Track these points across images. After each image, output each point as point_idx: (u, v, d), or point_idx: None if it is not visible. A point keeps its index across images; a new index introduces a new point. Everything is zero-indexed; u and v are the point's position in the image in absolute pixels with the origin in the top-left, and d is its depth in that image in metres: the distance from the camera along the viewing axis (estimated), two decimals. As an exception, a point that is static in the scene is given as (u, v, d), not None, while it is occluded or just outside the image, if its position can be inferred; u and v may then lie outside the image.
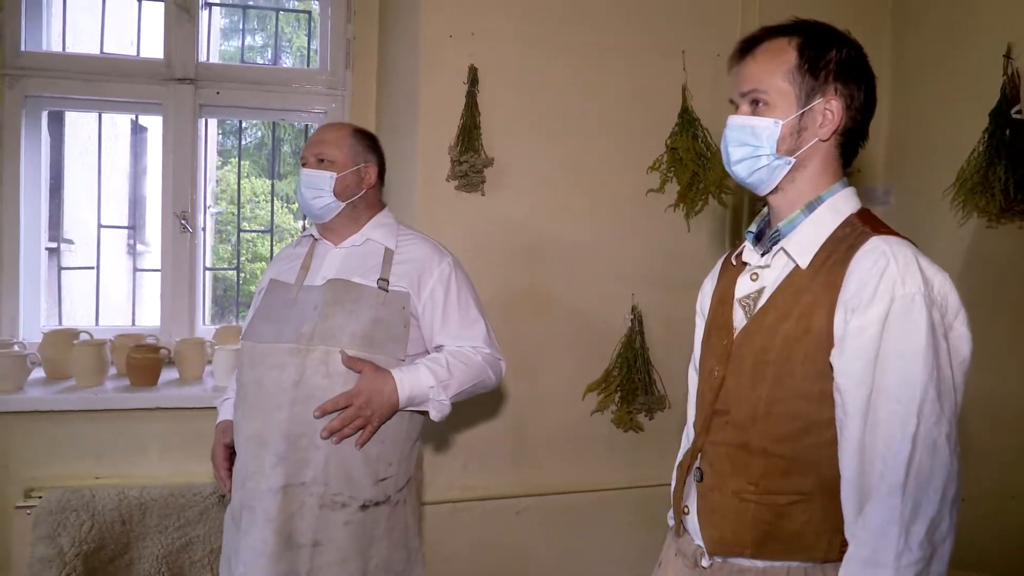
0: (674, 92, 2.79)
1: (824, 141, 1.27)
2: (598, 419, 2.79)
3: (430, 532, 2.64)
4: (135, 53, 2.96)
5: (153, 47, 2.94)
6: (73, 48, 3.00)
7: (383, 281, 1.87)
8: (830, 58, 1.27)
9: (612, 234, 2.77)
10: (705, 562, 1.32)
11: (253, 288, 2.15)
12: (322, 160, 1.93)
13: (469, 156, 2.57)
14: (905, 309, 1.13)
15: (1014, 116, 2.42)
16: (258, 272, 2.22)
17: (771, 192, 1.32)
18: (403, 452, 1.88)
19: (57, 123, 2.98)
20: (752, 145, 1.28)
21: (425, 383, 1.81)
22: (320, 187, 1.91)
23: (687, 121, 2.76)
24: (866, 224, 1.24)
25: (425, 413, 1.89)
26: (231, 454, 1.92)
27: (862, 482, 1.14)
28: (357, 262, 1.91)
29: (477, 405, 2.70)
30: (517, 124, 2.67)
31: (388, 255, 1.92)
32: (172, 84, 2.86)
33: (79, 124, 3.47)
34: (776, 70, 1.27)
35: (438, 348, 1.93)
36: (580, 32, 2.71)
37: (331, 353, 1.77)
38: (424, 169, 2.62)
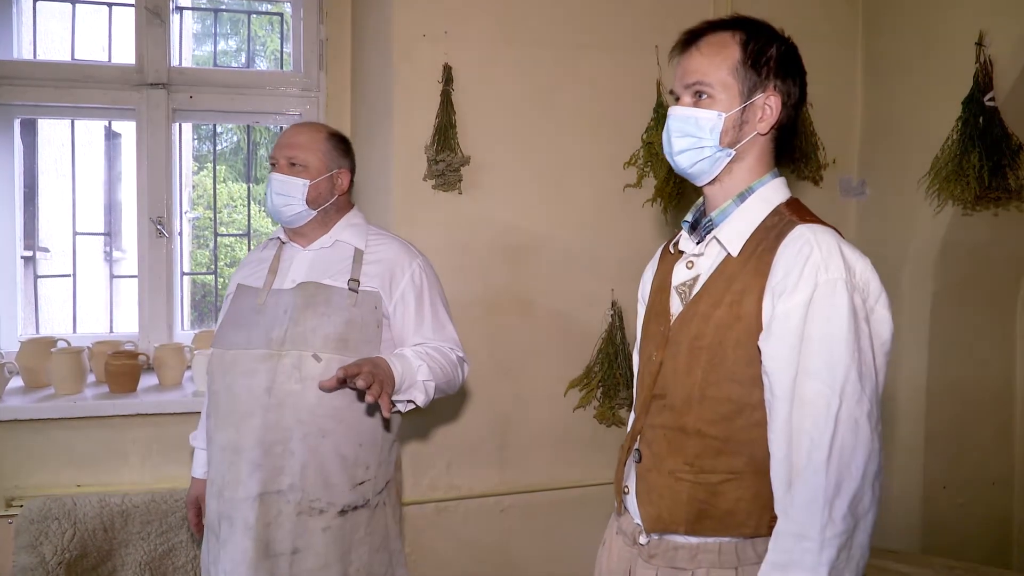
0: (649, 87, 2.79)
1: (763, 135, 1.32)
2: (581, 415, 2.80)
3: (415, 532, 2.63)
4: (107, 59, 2.93)
5: (125, 53, 2.91)
6: (44, 55, 2.97)
7: (354, 282, 1.84)
8: (771, 55, 1.31)
9: (591, 230, 2.78)
10: (643, 539, 1.38)
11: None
12: (294, 164, 1.87)
13: (445, 155, 2.57)
14: (828, 294, 1.18)
15: (987, 104, 2.44)
16: None
17: (708, 183, 1.37)
18: (381, 454, 1.87)
19: (30, 131, 2.95)
20: (695, 136, 1.32)
21: (413, 363, 1.80)
22: (291, 194, 1.86)
23: (663, 116, 2.76)
24: (793, 213, 1.29)
25: (399, 413, 1.87)
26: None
27: (790, 460, 1.19)
28: (326, 264, 1.88)
29: (461, 404, 2.70)
30: (493, 122, 2.67)
31: (358, 255, 1.89)
32: (145, 89, 2.83)
33: (53, 131, 3.44)
34: (721, 64, 1.30)
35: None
36: (554, 29, 2.72)
37: (303, 358, 1.75)
38: (400, 169, 2.62)
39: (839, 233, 1.26)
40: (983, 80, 2.45)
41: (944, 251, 2.67)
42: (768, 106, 1.30)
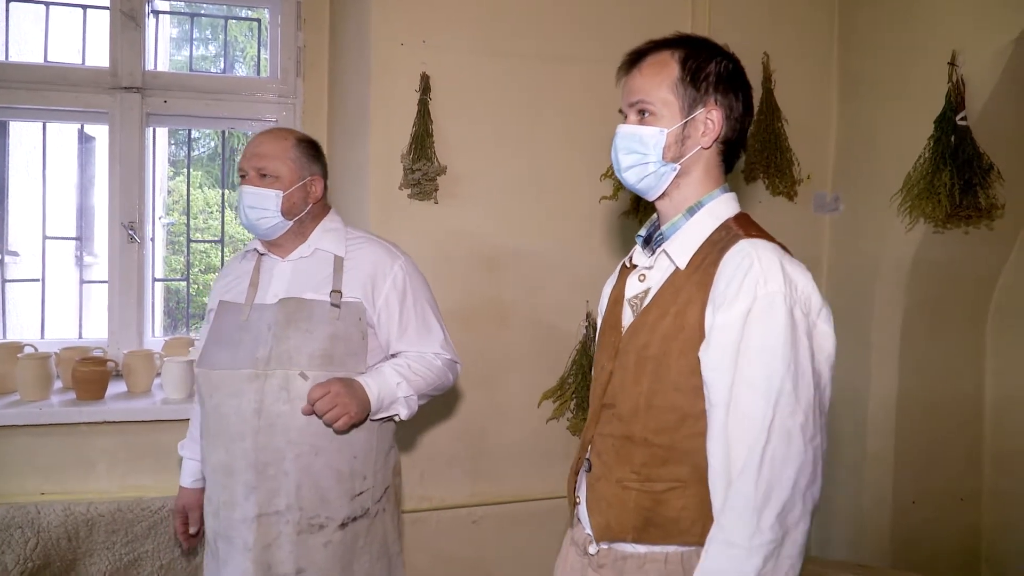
0: (626, 100, 2.80)
1: (706, 149, 1.35)
2: (554, 427, 2.79)
3: (386, 544, 2.61)
4: (81, 62, 2.89)
5: (99, 56, 2.88)
6: (17, 57, 2.93)
7: (336, 293, 1.80)
8: (710, 71, 1.33)
9: (566, 241, 2.78)
10: (592, 549, 1.39)
11: (205, 299, 2.11)
12: (264, 175, 1.82)
13: (422, 164, 2.56)
14: (766, 307, 1.19)
15: (959, 123, 2.47)
16: (210, 283, 2.17)
17: (658, 198, 1.40)
18: (377, 463, 1.86)
19: (1, 133, 2.90)
20: (640, 152, 1.36)
21: (392, 381, 1.79)
22: (265, 207, 1.81)
23: (640, 129, 2.77)
24: (740, 228, 1.32)
25: (392, 420, 1.88)
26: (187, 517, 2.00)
27: (726, 468, 1.20)
28: (307, 275, 1.84)
29: (433, 415, 2.68)
30: (470, 132, 2.66)
31: (338, 263, 1.85)
32: (118, 93, 2.80)
33: (24, 133, 3.39)
34: (661, 82, 1.34)
35: (395, 355, 1.89)
36: (532, 39, 2.72)
37: (290, 377, 1.73)
38: (377, 177, 2.61)
39: (784, 248, 1.29)
40: (955, 99, 2.47)
41: (915, 268, 2.69)
42: (710, 120, 1.33)
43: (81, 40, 2.91)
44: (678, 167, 1.35)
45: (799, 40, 3.01)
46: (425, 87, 2.60)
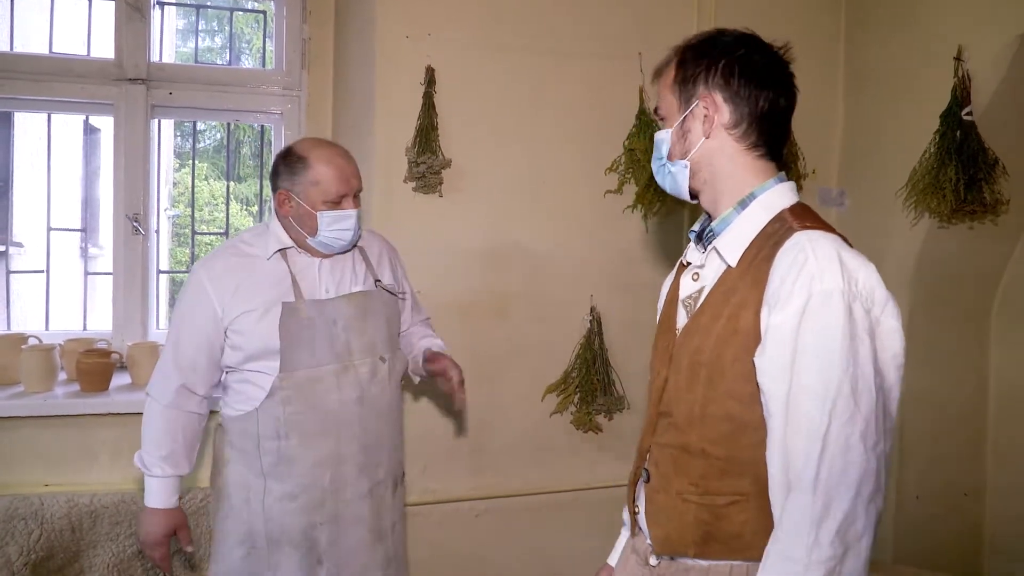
0: (631, 94, 2.80)
1: (709, 139, 1.29)
2: (557, 420, 2.79)
3: (389, 536, 2.61)
4: (86, 53, 2.89)
5: (104, 47, 2.88)
6: (21, 48, 2.93)
7: (378, 282, 2.00)
8: (703, 64, 1.29)
9: (570, 235, 2.77)
10: (653, 561, 1.34)
11: None
12: (358, 195, 1.94)
13: (426, 157, 2.56)
14: (821, 305, 1.12)
15: (964, 118, 2.46)
16: None
17: (696, 197, 1.36)
18: None
19: (5, 124, 2.91)
20: (657, 156, 1.37)
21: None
22: (359, 226, 1.93)
23: (644, 123, 2.77)
24: (795, 219, 1.23)
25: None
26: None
27: (785, 480, 1.14)
28: (345, 268, 1.96)
29: (437, 408, 2.69)
30: (474, 125, 2.66)
31: (362, 254, 2.01)
32: (123, 84, 2.80)
33: (29, 124, 3.39)
34: (664, 87, 1.35)
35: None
36: (537, 34, 2.71)
37: (375, 364, 1.92)
38: (381, 170, 2.60)
39: (844, 239, 1.22)
40: (961, 94, 2.47)
41: (920, 263, 2.69)
42: (707, 110, 1.28)
43: (86, 31, 2.91)
44: (687, 163, 1.31)
45: (805, 34, 3.00)
46: (430, 80, 2.60)
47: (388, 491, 1.99)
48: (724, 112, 1.27)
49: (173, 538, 1.93)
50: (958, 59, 2.48)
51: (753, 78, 1.27)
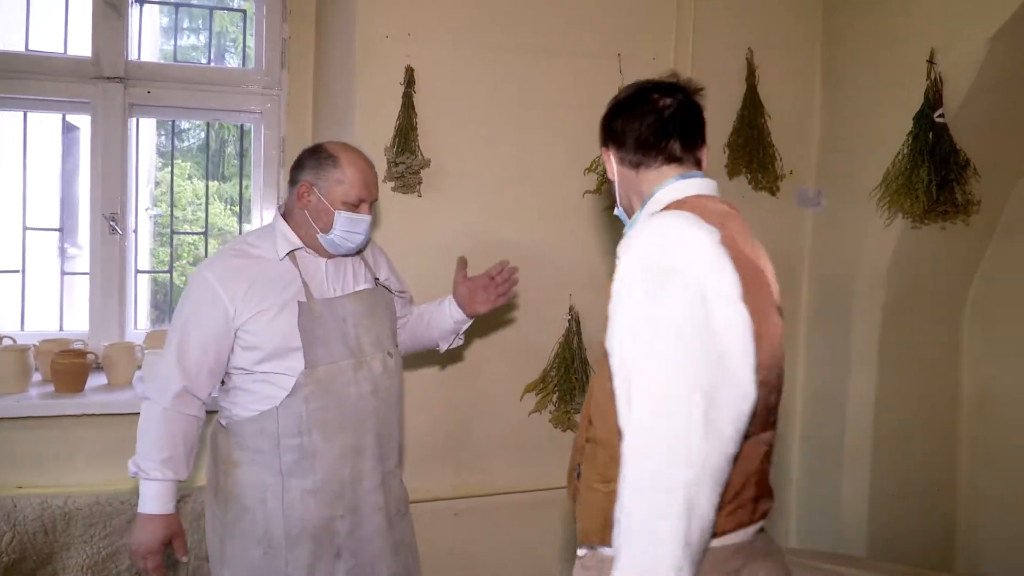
0: (610, 95, 2.77)
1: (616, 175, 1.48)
2: (536, 419, 2.80)
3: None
4: (62, 51, 2.87)
5: (82, 45, 2.86)
6: (-3, 45, 2.90)
7: (378, 280, 2.09)
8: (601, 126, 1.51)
9: (550, 235, 2.78)
10: (580, 552, 1.40)
11: None
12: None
13: (405, 157, 2.56)
14: (624, 283, 1.19)
15: (937, 120, 2.49)
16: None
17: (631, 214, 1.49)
18: None
19: (-19, 122, 2.88)
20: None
21: None
22: (368, 232, 1.99)
23: (623, 123, 2.78)
24: (667, 207, 1.33)
25: None
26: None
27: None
28: (348, 268, 2.03)
29: (416, 406, 2.68)
30: (454, 126, 2.66)
31: (360, 253, 2.08)
32: (101, 83, 2.79)
33: (5, 122, 3.35)
34: None
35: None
36: (517, 34, 2.72)
37: (384, 358, 2.00)
38: (360, 170, 2.60)
39: (697, 216, 1.23)
40: (933, 97, 2.50)
41: (895, 263, 2.72)
42: (608, 163, 1.49)
43: (63, 29, 2.89)
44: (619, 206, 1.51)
45: (783, 36, 3.03)
46: (410, 80, 2.60)
47: (396, 479, 2.07)
48: (616, 159, 1.46)
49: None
50: (931, 62, 2.51)
51: (625, 113, 1.45)
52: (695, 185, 1.38)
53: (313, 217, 1.90)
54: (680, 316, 1.12)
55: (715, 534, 1.20)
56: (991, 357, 2.86)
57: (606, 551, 1.30)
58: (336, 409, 1.89)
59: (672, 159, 1.40)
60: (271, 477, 1.87)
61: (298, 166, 1.95)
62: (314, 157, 1.92)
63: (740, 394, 1.13)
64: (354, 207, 1.90)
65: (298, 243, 1.92)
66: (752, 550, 1.32)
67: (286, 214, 1.95)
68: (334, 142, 1.99)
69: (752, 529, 1.32)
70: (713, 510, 1.10)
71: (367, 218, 1.93)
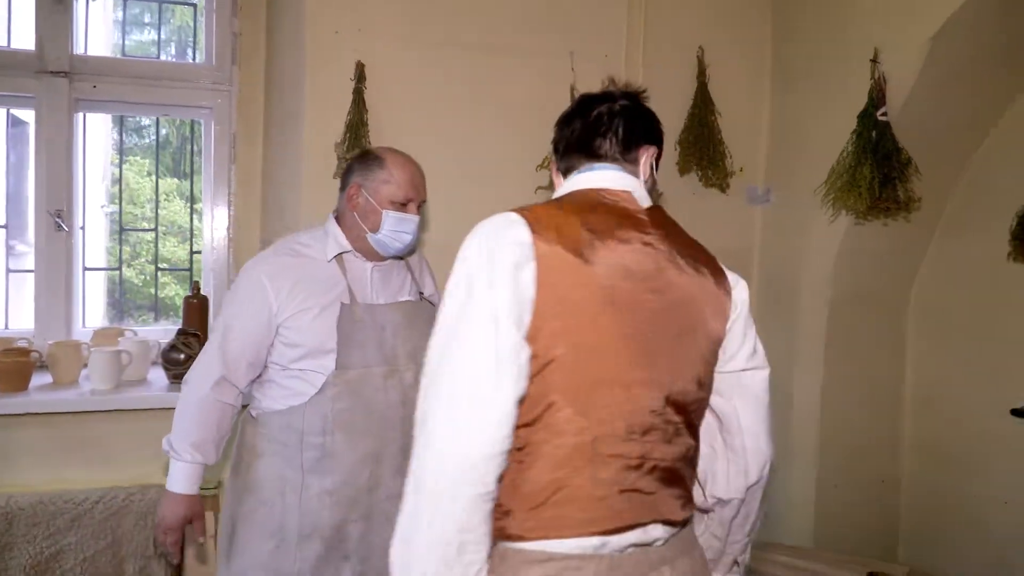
0: (563, 91, 2.82)
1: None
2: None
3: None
4: (6, 44, 2.82)
5: (25, 38, 2.81)
6: (-62, 38, 2.84)
7: (422, 294, 2.09)
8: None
9: (501, 232, 2.79)
10: None
11: (151, 290, 2.07)
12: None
13: (355, 153, 2.55)
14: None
15: (880, 118, 2.54)
16: (159, 273, 2.13)
17: None
18: None
19: (-77, 117, 2.82)
20: None
21: None
22: (417, 232, 1.99)
23: (574, 120, 2.79)
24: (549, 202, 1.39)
25: None
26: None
27: None
28: (394, 278, 2.06)
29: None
30: (405, 121, 2.66)
31: (407, 265, 2.10)
32: (45, 77, 2.74)
33: (-50, 118, 3.29)
34: None
35: None
36: (469, 31, 2.73)
37: (418, 371, 2.00)
38: (311, 166, 2.59)
39: (522, 215, 1.29)
40: (877, 95, 2.55)
41: (840, 259, 2.76)
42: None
43: (6, 21, 2.83)
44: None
45: (734, 34, 3.06)
46: (360, 76, 2.59)
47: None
48: (553, 166, 1.51)
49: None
50: (874, 61, 2.56)
51: (562, 124, 1.49)
52: (579, 185, 1.41)
53: (362, 218, 1.94)
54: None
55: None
56: (934, 353, 2.93)
57: None
58: (361, 413, 1.91)
59: (596, 158, 1.41)
60: (292, 472, 1.90)
61: (348, 171, 2.01)
62: (362, 160, 1.99)
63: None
64: (402, 206, 1.94)
65: (347, 245, 1.97)
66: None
67: (338, 218, 2.00)
68: (381, 147, 2.06)
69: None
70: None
71: (415, 218, 1.96)
